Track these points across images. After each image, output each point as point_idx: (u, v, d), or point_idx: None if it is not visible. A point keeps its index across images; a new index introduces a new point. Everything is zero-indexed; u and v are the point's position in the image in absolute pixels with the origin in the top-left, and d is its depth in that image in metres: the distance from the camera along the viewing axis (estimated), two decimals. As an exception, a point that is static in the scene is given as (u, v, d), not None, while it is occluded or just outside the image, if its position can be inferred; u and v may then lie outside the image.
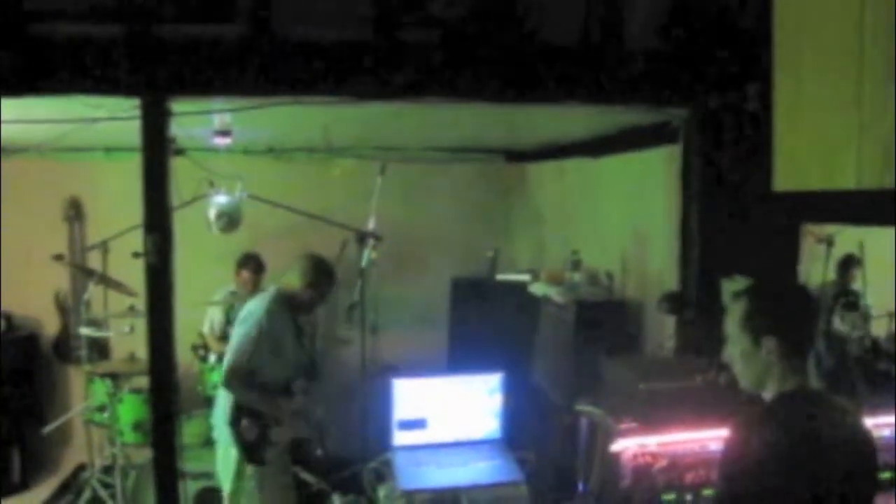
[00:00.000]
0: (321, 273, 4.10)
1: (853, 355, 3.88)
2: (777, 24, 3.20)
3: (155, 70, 3.04)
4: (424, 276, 6.36)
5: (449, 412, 4.29)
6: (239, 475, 3.98)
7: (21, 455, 5.73)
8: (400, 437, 4.23)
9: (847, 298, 4.03)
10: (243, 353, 3.86)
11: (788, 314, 2.09)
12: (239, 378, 3.86)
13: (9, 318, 5.82)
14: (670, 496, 2.77)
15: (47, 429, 5.49)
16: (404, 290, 6.11)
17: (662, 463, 2.77)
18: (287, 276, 4.12)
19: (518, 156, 6.56)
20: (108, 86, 3.03)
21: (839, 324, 3.98)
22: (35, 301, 6.03)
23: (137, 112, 3.09)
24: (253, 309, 4.02)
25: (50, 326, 6.15)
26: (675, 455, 2.79)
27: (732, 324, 2.14)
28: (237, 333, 3.97)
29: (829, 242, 3.94)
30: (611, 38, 3.37)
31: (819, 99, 2.97)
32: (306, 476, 5.18)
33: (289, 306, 4.07)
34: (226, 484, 4.04)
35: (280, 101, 3.23)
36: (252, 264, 5.69)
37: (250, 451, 3.91)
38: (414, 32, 3.22)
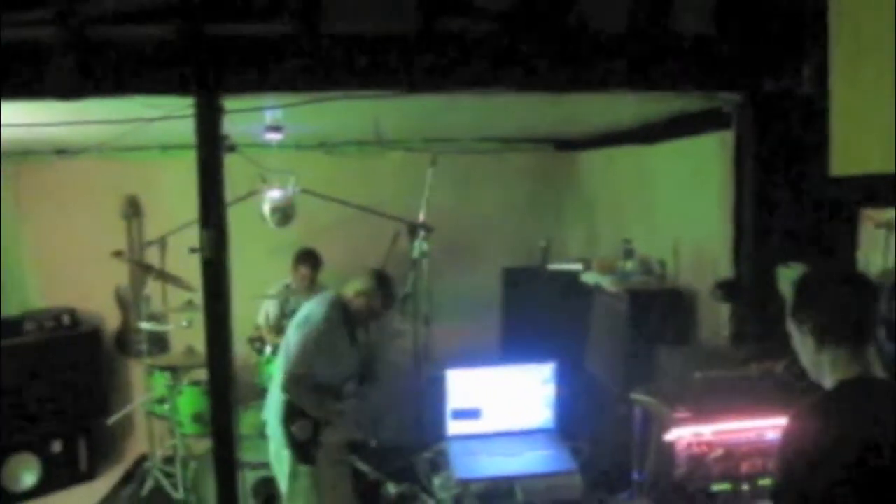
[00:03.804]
0: (381, 290, 4.12)
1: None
2: (833, 2, 3.14)
3: (208, 69, 3.09)
4: (477, 267, 6.37)
5: (503, 402, 4.29)
6: (294, 475, 4.02)
7: (87, 445, 5.91)
8: (454, 427, 4.25)
9: (908, 284, 3.92)
10: (302, 359, 3.90)
11: (829, 299, 2.06)
12: (298, 383, 3.91)
13: (73, 314, 5.97)
14: (726, 486, 2.75)
15: (111, 420, 5.65)
16: (457, 280, 6.12)
17: (718, 452, 2.75)
18: (349, 284, 4.15)
19: (568, 144, 6.52)
20: (163, 86, 3.09)
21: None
22: (97, 297, 6.20)
23: (191, 110, 3.14)
24: (311, 313, 4.04)
25: (111, 321, 6.31)
26: (730, 444, 2.76)
27: (788, 313, 2.13)
28: (295, 339, 3.99)
29: (890, 227, 3.84)
30: (660, 23, 3.32)
31: (877, 79, 2.90)
32: (361, 466, 5.24)
33: (346, 314, 4.10)
34: (282, 482, 4.10)
35: (330, 96, 3.26)
36: (310, 260, 5.74)
37: (302, 451, 3.96)
38: (461, 23, 3.22)
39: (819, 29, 3.19)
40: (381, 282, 4.13)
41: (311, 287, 5.67)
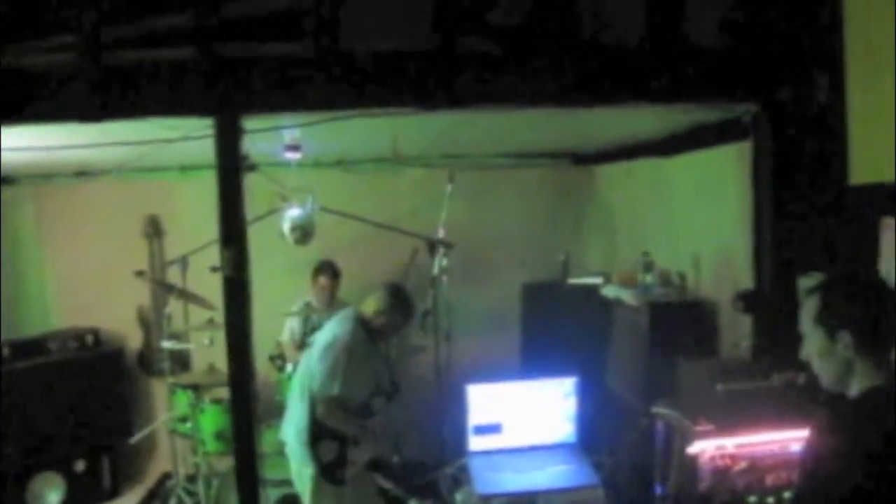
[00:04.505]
0: (398, 304, 4.12)
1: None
2: (847, 10, 3.14)
3: (227, 90, 3.13)
4: (496, 282, 6.37)
5: (524, 417, 4.29)
6: (316, 493, 4.01)
7: (111, 464, 5.94)
8: (476, 443, 4.25)
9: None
10: (335, 381, 3.90)
11: (862, 307, 2.03)
12: (336, 408, 3.91)
13: (96, 333, 6.02)
14: (751, 499, 2.73)
15: (134, 439, 5.69)
16: (476, 296, 6.12)
17: (742, 465, 2.73)
18: (367, 302, 4.15)
19: (586, 158, 6.52)
20: (183, 107, 3.13)
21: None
22: (120, 316, 6.23)
23: (211, 131, 3.18)
24: (337, 334, 4.04)
25: (134, 340, 6.35)
26: (754, 457, 2.75)
27: (806, 320, 2.10)
28: (325, 362, 3.97)
29: (912, 235, 3.81)
30: (675, 35, 3.33)
31: (893, 87, 2.89)
32: (384, 482, 5.24)
33: (369, 330, 4.11)
34: (305, 501, 4.08)
35: (348, 115, 3.29)
36: (329, 271, 5.78)
37: (329, 471, 3.96)
38: (477, 41, 3.24)
39: (834, 37, 3.18)
40: (397, 295, 4.13)
41: (332, 302, 5.69)
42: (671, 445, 3.02)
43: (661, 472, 3.09)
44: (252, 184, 3.41)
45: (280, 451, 4.48)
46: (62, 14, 2.98)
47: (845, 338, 2.01)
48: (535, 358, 5.93)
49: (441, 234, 5.23)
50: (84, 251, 6.12)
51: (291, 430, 4.08)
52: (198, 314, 5.48)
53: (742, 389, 2.97)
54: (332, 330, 4.10)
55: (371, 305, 4.11)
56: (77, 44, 3.02)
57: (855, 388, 2.04)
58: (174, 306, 5.52)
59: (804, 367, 2.25)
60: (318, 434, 3.92)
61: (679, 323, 4.37)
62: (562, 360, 4.83)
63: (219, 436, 5.20)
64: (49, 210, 6.18)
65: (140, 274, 5.74)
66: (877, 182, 3.04)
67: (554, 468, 4.08)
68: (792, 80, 3.38)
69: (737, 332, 4.01)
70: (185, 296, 5.38)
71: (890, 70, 2.88)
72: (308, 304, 5.84)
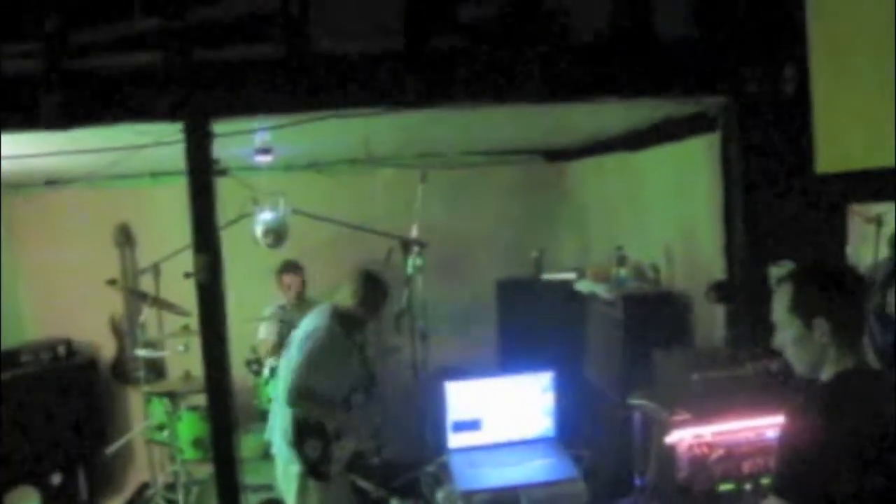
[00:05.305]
0: (372, 289, 4.10)
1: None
2: (812, 3, 3.18)
3: (196, 94, 3.11)
4: (471, 280, 6.38)
5: (502, 412, 4.30)
6: (302, 491, 4.01)
7: (87, 476, 5.87)
8: (455, 440, 4.25)
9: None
10: (308, 372, 3.88)
11: (837, 294, 2.07)
12: (302, 395, 3.90)
13: (69, 344, 5.96)
14: (729, 486, 2.77)
15: (111, 449, 5.63)
16: (451, 294, 6.13)
17: (719, 453, 2.77)
18: (339, 292, 4.14)
19: (558, 155, 6.55)
20: (152, 112, 3.10)
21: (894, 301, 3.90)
22: (92, 326, 6.17)
23: (181, 136, 3.16)
24: (314, 328, 4.03)
25: (107, 350, 6.29)
26: (731, 444, 2.78)
27: (780, 310, 2.12)
28: (299, 355, 3.97)
29: (879, 222, 3.88)
30: (642, 30, 3.36)
31: (857, 77, 2.95)
32: (364, 484, 5.23)
33: (345, 323, 4.10)
34: (289, 500, 4.09)
35: (319, 116, 3.28)
36: (292, 268, 5.80)
37: (315, 468, 3.96)
38: (446, 39, 3.25)
39: (799, 29, 3.23)
40: (370, 279, 4.12)
41: (301, 301, 5.68)
42: (649, 436, 3.04)
43: (640, 463, 3.11)
44: (223, 188, 3.40)
45: (260, 456, 4.47)
46: (27, 20, 2.95)
47: (822, 325, 2.04)
48: (512, 354, 5.95)
49: (415, 233, 5.23)
50: (55, 261, 6.05)
51: (277, 430, 4.07)
52: (172, 321, 5.44)
53: (717, 378, 3.01)
54: (308, 325, 4.09)
55: (346, 295, 4.08)
56: (42, 50, 2.99)
57: (827, 373, 2.07)
58: (148, 314, 5.48)
59: (777, 354, 2.28)
60: (302, 433, 3.92)
61: (653, 315, 4.41)
62: (539, 355, 4.85)
63: (197, 443, 5.17)
64: (19, 220, 6.10)
65: (112, 282, 5.69)
66: (843, 170, 3.09)
67: (534, 462, 4.09)
68: (759, 72, 3.41)
69: (711, 323, 4.05)
70: (159, 303, 5.34)
71: (854, 60, 2.93)
72: (283, 308, 5.81)
